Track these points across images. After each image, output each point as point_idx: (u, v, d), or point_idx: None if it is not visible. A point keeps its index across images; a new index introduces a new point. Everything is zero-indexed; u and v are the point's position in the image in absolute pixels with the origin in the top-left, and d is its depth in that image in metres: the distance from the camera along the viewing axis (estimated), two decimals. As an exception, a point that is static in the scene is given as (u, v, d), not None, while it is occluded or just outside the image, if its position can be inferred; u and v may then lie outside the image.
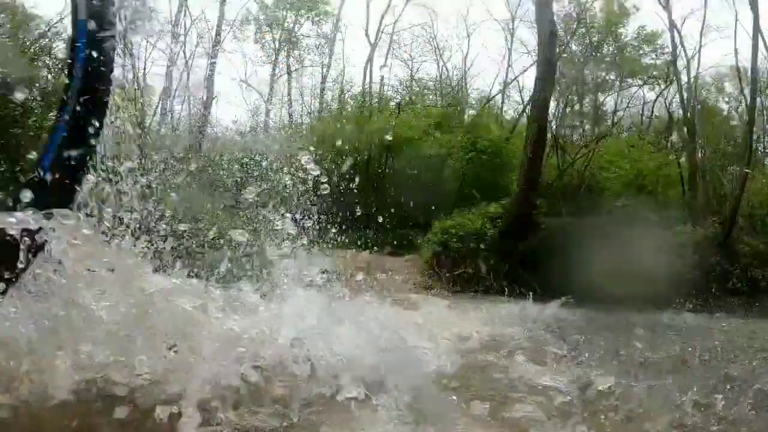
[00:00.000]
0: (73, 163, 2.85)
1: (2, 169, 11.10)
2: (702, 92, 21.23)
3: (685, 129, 18.29)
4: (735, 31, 17.03)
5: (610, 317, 7.67)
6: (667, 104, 20.75)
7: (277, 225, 4.76)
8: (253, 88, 23.09)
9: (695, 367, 4.38)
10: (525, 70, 20.28)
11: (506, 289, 11.07)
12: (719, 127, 20.66)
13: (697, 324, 7.32)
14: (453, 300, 9.83)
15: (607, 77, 22.27)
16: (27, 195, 2.63)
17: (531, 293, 9.93)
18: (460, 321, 6.01)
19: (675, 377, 3.87)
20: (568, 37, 18.66)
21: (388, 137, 16.88)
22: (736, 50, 15.33)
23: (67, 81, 2.99)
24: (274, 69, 22.31)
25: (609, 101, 23.03)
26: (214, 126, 21.42)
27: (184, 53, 18.07)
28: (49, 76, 13.86)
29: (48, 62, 13.81)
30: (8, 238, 2.35)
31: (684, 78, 18.64)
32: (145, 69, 19.55)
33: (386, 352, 3.33)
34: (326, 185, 5.00)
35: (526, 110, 17.22)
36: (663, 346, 5.14)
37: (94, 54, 2.88)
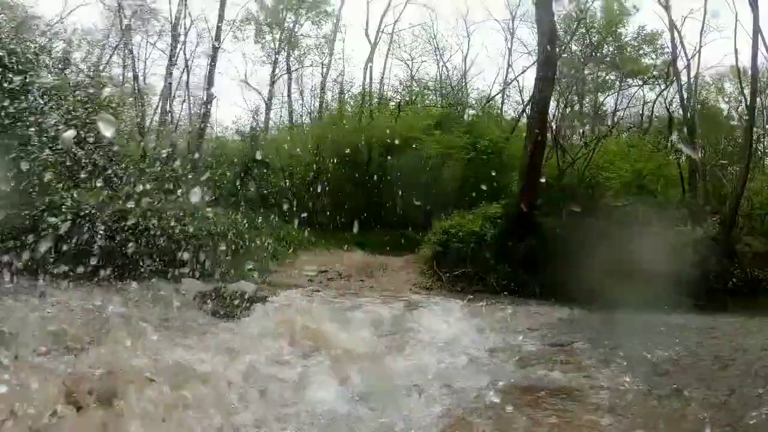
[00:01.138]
0: None
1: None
2: (702, 92, 21.25)
3: (685, 129, 18.31)
4: (735, 31, 17.15)
5: (613, 318, 7.68)
6: (667, 104, 20.77)
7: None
8: (253, 88, 23.09)
9: (707, 367, 4.44)
10: (525, 70, 20.31)
11: (506, 289, 11.07)
12: (719, 127, 20.68)
13: (700, 324, 7.31)
14: (458, 301, 9.81)
15: (607, 77, 22.29)
16: None
17: (539, 293, 9.98)
18: (483, 328, 6.16)
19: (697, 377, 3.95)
20: (568, 37, 18.67)
21: (388, 137, 16.89)
22: (736, 50, 15.35)
23: None
24: (274, 69, 22.29)
25: (609, 101, 23.06)
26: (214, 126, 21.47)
27: (185, 53, 18.03)
28: (50, 76, 13.85)
29: (48, 62, 13.80)
30: None
31: (684, 78, 18.68)
32: (145, 69, 19.57)
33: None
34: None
35: (526, 110, 17.22)
36: (674, 347, 5.19)
37: None
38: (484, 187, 12.35)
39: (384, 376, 3.53)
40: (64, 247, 10.56)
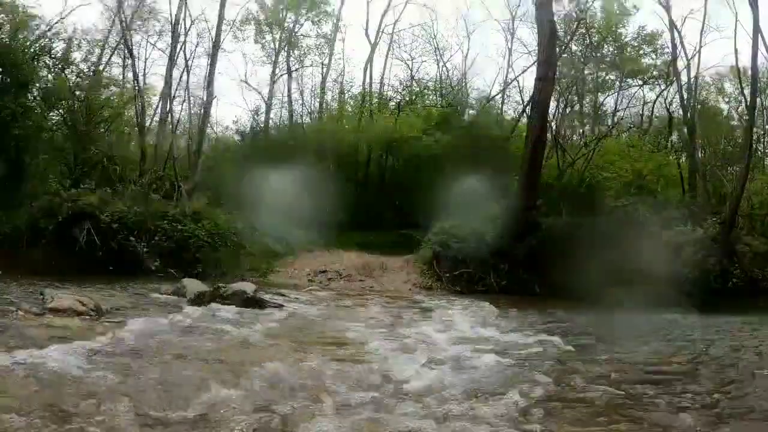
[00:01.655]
0: None
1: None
2: (702, 92, 21.21)
3: (685, 129, 18.27)
4: (735, 31, 17.04)
5: (616, 319, 7.68)
6: (667, 104, 20.74)
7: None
8: (253, 88, 23.02)
9: (706, 367, 4.46)
10: (525, 70, 20.18)
11: (506, 289, 11.06)
12: (719, 127, 20.65)
13: (702, 325, 7.30)
14: (455, 298, 9.81)
15: (607, 77, 22.25)
16: None
17: (539, 293, 9.94)
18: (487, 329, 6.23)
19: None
20: (568, 37, 18.64)
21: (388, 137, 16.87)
22: (736, 50, 15.27)
23: None
24: (274, 69, 22.22)
25: (609, 101, 23.01)
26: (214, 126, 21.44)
27: (185, 53, 17.96)
28: (50, 76, 13.85)
29: (48, 62, 13.79)
30: None
31: (684, 78, 18.64)
32: (145, 69, 19.53)
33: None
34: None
35: (526, 110, 17.18)
36: (683, 348, 5.21)
37: None
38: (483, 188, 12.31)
39: (390, 381, 3.48)
40: (64, 248, 10.57)
